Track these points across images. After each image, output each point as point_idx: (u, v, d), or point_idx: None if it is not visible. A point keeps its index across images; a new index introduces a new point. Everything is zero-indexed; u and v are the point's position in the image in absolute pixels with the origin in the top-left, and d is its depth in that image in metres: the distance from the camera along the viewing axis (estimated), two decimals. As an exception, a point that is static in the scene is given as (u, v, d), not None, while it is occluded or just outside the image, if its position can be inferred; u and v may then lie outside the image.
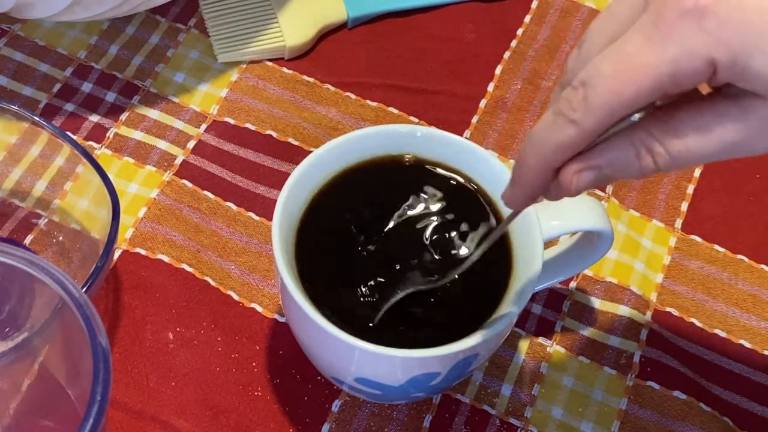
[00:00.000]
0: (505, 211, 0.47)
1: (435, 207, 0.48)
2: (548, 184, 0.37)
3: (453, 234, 0.47)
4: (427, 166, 0.49)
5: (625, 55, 0.33)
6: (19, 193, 0.53)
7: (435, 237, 0.47)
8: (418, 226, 0.47)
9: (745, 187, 0.59)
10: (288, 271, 0.43)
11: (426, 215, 0.47)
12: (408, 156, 0.49)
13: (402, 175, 0.48)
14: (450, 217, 0.47)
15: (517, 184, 0.38)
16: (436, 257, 0.46)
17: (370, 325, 0.44)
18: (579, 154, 0.35)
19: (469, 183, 0.48)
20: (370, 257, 0.46)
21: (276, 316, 0.52)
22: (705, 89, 0.35)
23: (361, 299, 0.45)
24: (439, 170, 0.49)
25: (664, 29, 0.32)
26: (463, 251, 0.46)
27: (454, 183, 0.48)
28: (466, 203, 0.48)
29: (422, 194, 0.48)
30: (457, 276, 0.45)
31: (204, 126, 0.58)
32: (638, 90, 0.33)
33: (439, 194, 0.48)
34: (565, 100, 0.34)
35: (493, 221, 0.47)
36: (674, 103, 0.35)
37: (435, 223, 0.47)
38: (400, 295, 0.45)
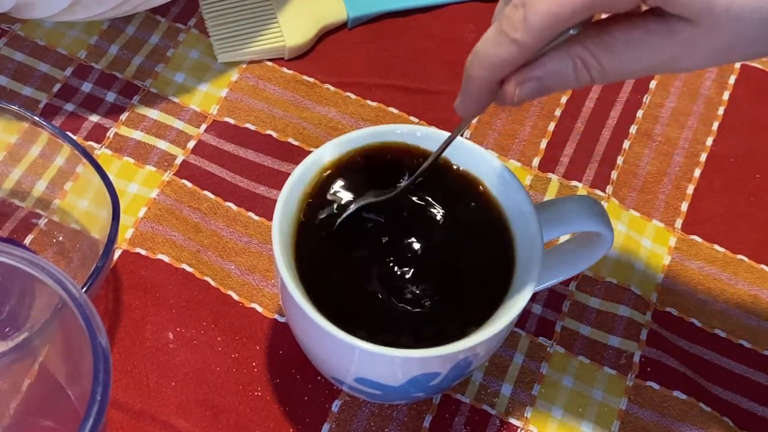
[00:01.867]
0: (509, 210, 0.47)
1: (435, 206, 0.48)
2: (494, 94, 0.40)
3: (453, 233, 0.47)
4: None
5: None
6: (19, 193, 0.53)
7: (435, 236, 0.47)
8: (418, 225, 0.47)
9: (745, 187, 0.59)
10: (288, 271, 0.43)
11: (426, 214, 0.47)
12: (408, 156, 0.49)
13: (402, 175, 0.48)
14: (450, 215, 0.47)
15: (466, 94, 0.40)
16: (436, 256, 0.46)
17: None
18: (521, 67, 0.38)
19: (469, 183, 0.48)
20: (369, 257, 0.46)
21: (276, 316, 0.52)
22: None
23: (361, 299, 0.45)
24: (439, 170, 0.49)
25: None
26: (462, 249, 0.46)
27: (454, 183, 0.48)
28: (466, 203, 0.48)
29: (422, 194, 0.48)
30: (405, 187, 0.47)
31: (204, 126, 0.58)
32: (573, 10, 0.36)
33: (440, 194, 0.48)
34: (507, 18, 0.37)
35: (492, 220, 0.47)
36: (610, 19, 0.38)
37: (435, 223, 0.47)
38: (360, 203, 0.46)
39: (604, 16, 0.38)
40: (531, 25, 0.36)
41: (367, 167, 0.48)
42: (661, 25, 0.37)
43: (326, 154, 0.47)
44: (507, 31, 0.37)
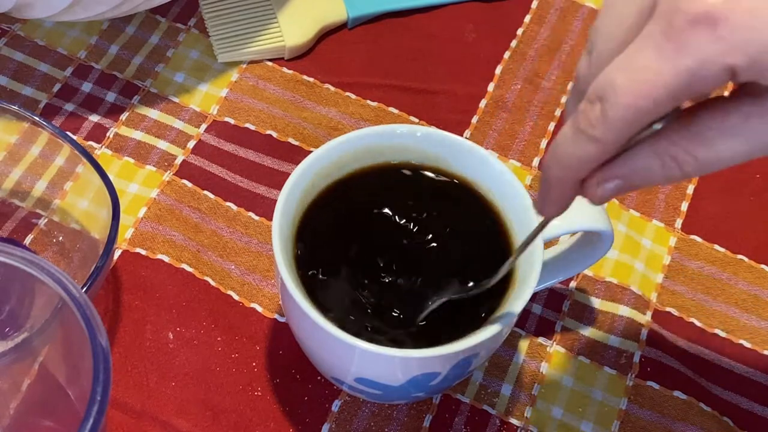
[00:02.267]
0: (509, 210, 0.47)
1: (435, 207, 0.48)
2: (575, 193, 0.37)
3: (452, 234, 0.47)
4: (427, 166, 0.49)
5: (639, 69, 0.32)
6: (19, 193, 0.53)
7: (435, 237, 0.47)
8: (418, 226, 0.47)
9: (745, 187, 0.59)
10: (288, 271, 0.43)
11: (426, 215, 0.47)
12: (408, 156, 0.49)
13: (402, 176, 0.48)
14: (449, 217, 0.47)
15: (546, 194, 0.38)
16: (436, 257, 0.46)
17: (412, 330, 0.44)
18: (603, 164, 0.35)
19: (469, 183, 0.48)
20: (369, 257, 0.46)
21: (276, 316, 0.52)
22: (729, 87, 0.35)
23: (361, 299, 0.45)
24: (439, 171, 0.49)
25: (676, 40, 0.31)
26: (462, 250, 0.46)
27: (454, 183, 0.48)
28: (466, 203, 0.48)
29: (422, 194, 0.48)
30: (486, 287, 0.44)
31: (204, 126, 0.58)
32: (655, 103, 0.32)
33: (439, 195, 0.48)
34: (583, 115, 0.34)
35: (491, 221, 0.47)
36: (697, 107, 0.34)
37: (435, 224, 0.47)
38: (437, 303, 0.45)
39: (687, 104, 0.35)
40: (610, 121, 0.33)
41: (367, 168, 0.48)
42: (757, 105, 0.33)
43: (326, 154, 0.47)
44: (585, 128, 0.34)
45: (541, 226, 0.41)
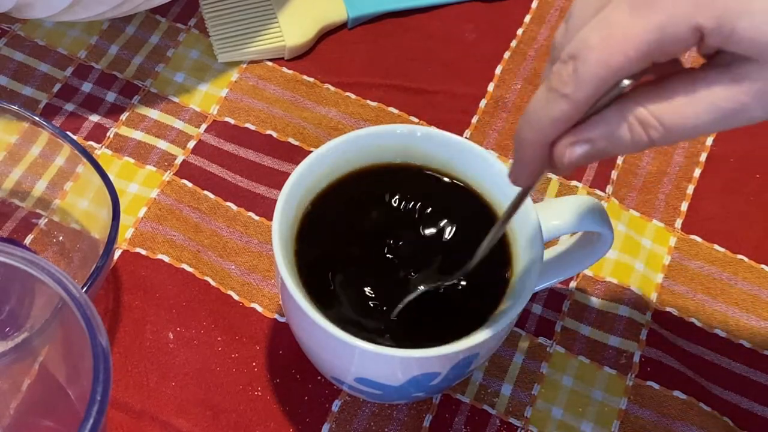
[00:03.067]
0: (505, 205, 0.47)
1: (435, 207, 0.48)
2: (545, 160, 0.37)
3: (452, 234, 0.47)
4: (427, 166, 0.49)
5: (612, 25, 0.33)
6: (19, 193, 0.53)
7: (435, 237, 0.47)
8: (418, 226, 0.47)
9: (745, 187, 0.59)
10: (288, 271, 0.43)
11: (426, 215, 0.47)
12: (408, 156, 0.49)
13: (402, 176, 0.48)
14: (450, 217, 0.47)
15: (518, 161, 0.38)
16: (436, 257, 0.46)
17: (393, 318, 0.44)
18: (572, 128, 0.36)
19: (469, 183, 0.48)
20: (369, 257, 0.46)
21: (276, 316, 0.52)
22: (700, 61, 0.36)
23: (361, 299, 0.45)
24: (439, 171, 0.49)
25: None
26: (462, 250, 0.46)
27: (455, 183, 0.48)
28: (466, 203, 0.48)
29: (422, 194, 0.48)
30: (466, 272, 0.44)
31: (204, 126, 0.58)
32: (626, 59, 0.33)
33: (440, 194, 0.48)
34: (556, 74, 0.35)
35: (491, 221, 0.47)
36: (666, 76, 0.35)
37: (435, 224, 0.47)
38: (414, 294, 0.45)
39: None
40: (582, 77, 0.34)
41: (367, 168, 0.48)
42: (724, 73, 0.34)
43: (326, 154, 0.47)
44: (557, 87, 0.35)
45: (520, 198, 0.41)
